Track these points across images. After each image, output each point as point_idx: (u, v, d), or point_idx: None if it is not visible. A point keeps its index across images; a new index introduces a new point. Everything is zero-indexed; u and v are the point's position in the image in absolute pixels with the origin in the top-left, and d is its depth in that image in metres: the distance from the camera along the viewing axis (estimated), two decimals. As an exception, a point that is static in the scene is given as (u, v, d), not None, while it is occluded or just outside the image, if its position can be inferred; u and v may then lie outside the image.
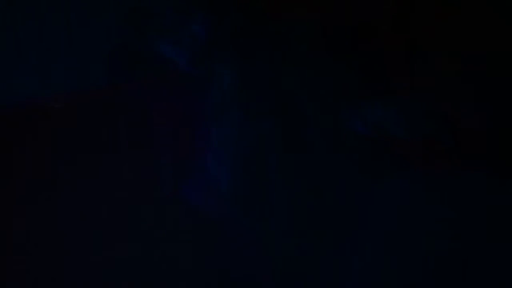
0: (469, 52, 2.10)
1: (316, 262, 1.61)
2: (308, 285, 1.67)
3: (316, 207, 1.87)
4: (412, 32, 2.33)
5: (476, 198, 1.34)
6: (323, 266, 1.49)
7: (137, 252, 2.25)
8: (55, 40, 3.37)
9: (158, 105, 2.56)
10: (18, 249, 2.25)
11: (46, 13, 3.35)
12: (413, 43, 2.30)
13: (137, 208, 2.48)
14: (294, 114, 2.07)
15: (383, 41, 2.44)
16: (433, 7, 2.27)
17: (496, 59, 2.07)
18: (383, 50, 2.43)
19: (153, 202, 2.53)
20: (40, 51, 3.34)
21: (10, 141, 2.78)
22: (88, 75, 3.35)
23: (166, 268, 2.16)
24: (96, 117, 2.90)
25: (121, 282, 2.09)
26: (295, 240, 1.98)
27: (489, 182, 1.44)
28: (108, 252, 2.22)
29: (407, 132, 2.17)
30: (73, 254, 2.22)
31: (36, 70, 3.30)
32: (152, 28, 2.58)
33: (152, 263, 2.18)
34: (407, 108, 2.11)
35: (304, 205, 1.90)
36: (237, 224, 1.83)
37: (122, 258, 2.20)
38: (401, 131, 2.13)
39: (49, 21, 3.37)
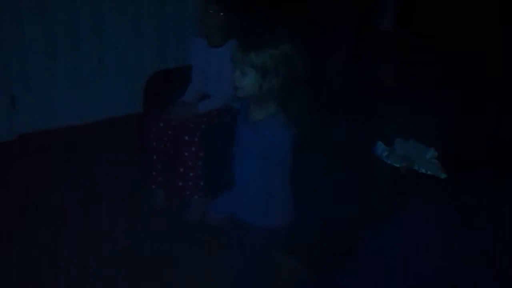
0: (469, 52, 2.10)
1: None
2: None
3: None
4: (412, 32, 2.33)
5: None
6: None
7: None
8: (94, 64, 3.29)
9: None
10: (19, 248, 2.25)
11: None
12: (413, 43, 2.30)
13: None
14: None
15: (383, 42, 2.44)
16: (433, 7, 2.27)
17: (496, 59, 2.06)
18: (383, 51, 2.44)
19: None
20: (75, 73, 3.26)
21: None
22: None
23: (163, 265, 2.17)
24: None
25: (120, 281, 2.09)
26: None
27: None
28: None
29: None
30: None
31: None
32: None
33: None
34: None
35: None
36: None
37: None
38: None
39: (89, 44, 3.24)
